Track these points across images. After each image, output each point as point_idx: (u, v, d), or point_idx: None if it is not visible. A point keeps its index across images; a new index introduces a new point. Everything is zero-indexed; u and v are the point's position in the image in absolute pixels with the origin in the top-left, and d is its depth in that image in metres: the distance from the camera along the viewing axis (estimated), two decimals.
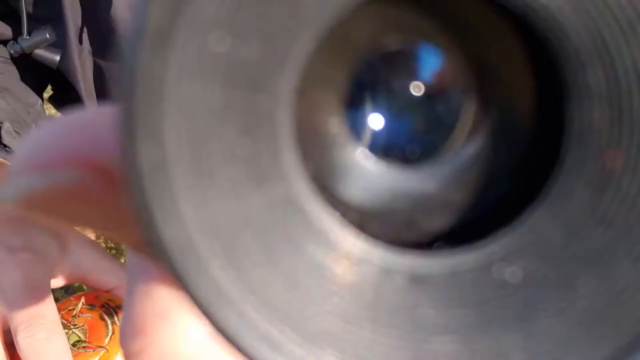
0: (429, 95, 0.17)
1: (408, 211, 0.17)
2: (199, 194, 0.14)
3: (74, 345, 0.63)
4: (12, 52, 0.75)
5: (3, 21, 0.79)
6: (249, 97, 0.14)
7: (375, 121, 0.17)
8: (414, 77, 0.17)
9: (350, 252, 0.16)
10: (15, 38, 0.78)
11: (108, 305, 0.66)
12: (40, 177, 0.16)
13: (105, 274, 0.66)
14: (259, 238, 0.15)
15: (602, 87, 0.15)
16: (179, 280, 0.15)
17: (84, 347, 0.64)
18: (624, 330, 0.15)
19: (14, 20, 0.78)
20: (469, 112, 0.17)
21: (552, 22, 0.14)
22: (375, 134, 0.17)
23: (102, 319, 0.65)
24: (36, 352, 0.57)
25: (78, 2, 0.74)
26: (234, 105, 0.14)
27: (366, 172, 0.17)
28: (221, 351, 0.18)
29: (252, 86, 0.14)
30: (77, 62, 0.77)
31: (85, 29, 0.76)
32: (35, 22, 0.75)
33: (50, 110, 0.93)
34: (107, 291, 0.67)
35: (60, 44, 0.76)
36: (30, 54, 0.76)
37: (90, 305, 0.66)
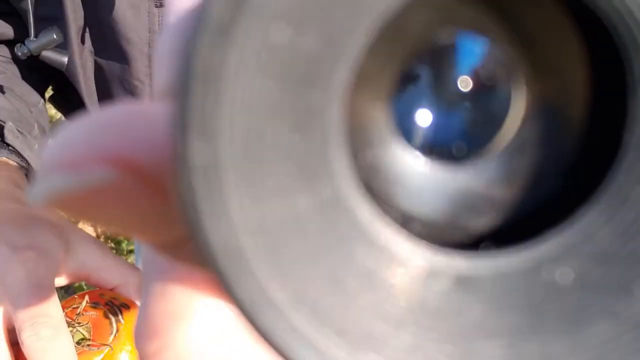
0: (477, 90, 0.17)
1: (454, 211, 0.17)
2: (249, 194, 0.14)
3: (78, 343, 0.63)
4: (19, 54, 0.74)
5: (4, 21, 0.79)
6: (303, 92, 0.14)
7: (423, 118, 0.17)
8: (463, 71, 0.16)
9: (396, 254, 0.15)
10: (18, 38, 0.78)
11: (112, 304, 0.66)
12: (70, 176, 0.16)
13: (109, 272, 0.66)
14: (306, 240, 0.15)
15: None
16: (222, 282, 0.14)
17: (88, 345, 0.64)
18: None
19: (15, 19, 0.78)
20: (519, 107, 0.16)
21: (621, 8, 0.14)
22: (422, 131, 0.17)
23: (106, 317, 0.65)
24: (41, 351, 0.57)
25: (80, 2, 0.74)
26: (287, 101, 0.14)
27: (412, 171, 0.17)
28: (238, 353, 0.17)
29: (307, 81, 0.14)
30: (78, 62, 0.77)
31: (87, 29, 0.75)
32: (37, 22, 0.75)
33: (51, 110, 0.93)
34: (111, 289, 0.67)
35: (61, 44, 0.75)
36: (37, 55, 0.75)
37: (94, 304, 0.66)
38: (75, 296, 0.67)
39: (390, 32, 0.15)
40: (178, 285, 0.17)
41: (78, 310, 0.65)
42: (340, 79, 0.14)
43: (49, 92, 0.89)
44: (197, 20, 0.13)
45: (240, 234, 0.14)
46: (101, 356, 0.63)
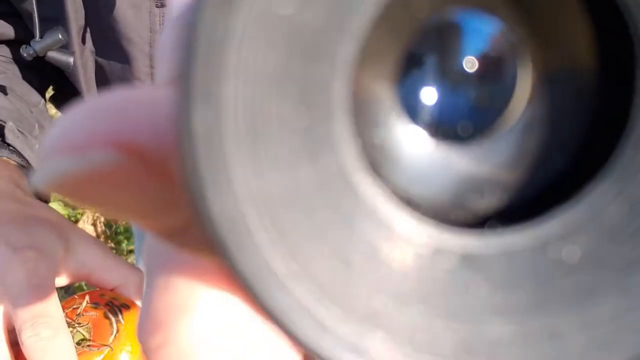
0: (483, 69, 0.16)
1: (459, 190, 0.17)
2: (252, 164, 0.14)
3: (78, 343, 0.63)
4: (25, 55, 0.73)
5: (5, 21, 0.79)
6: (307, 66, 0.14)
7: (428, 96, 0.17)
8: (469, 50, 0.16)
9: (401, 231, 0.15)
10: (18, 39, 0.78)
11: (112, 304, 0.66)
12: (72, 160, 0.16)
13: (110, 272, 0.66)
14: (310, 213, 0.14)
15: None
16: (224, 254, 0.14)
17: (88, 345, 0.63)
18: None
19: (16, 20, 0.78)
20: (525, 85, 0.16)
21: None
22: (427, 110, 0.17)
23: (107, 317, 0.65)
24: (41, 351, 0.57)
25: (80, 2, 0.74)
26: (292, 73, 0.14)
27: (417, 150, 0.17)
28: (243, 345, 0.17)
29: (311, 54, 0.14)
30: (79, 62, 0.77)
31: (87, 29, 0.75)
32: (39, 22, 0.75)
33: (51, 110, 0.93)
34: (112, 289, 0.67)
35: (65, 44, 0.75)
36: (43, 56, 0.74)
37: (95, 304, 0.65)
38: (76, 296, 0.67)
39: (395, 10, 0.15)
40: (181, 278, 0.17)
41: (78, 311, 0.65)
42: (345, 54, 0.14)
43: (49, 92, 0.89)
44: None
45: (242, 204, 0.14)
46: (101, 357, 0.63)
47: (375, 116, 0.16)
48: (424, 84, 0.17)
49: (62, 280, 0.65)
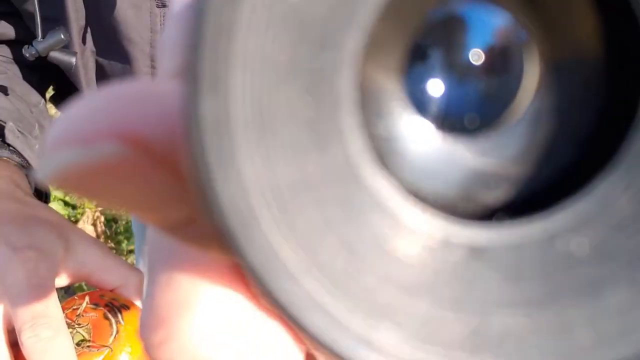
0: (490, 61, 0.16)
1: (467, 183, 0.17)
2: (261, 154, 0.14)
3: (78, 344, 0.63)
4: (27, 55, 0.73)
5: (5, 21, 0.79)
6: (314, 55, 0.14)
7: (435, 88, 0.17)
8: (476, 41, 0.16)
9: (409, 223, 0.15)
10: (19, 39, 0.78)
11: (112, 305, 0.66)
12: (77, 151, 0.16)
13: (110, 273, 0.66)
14: (318, 204, 0.14)
15: None
16: (233, 246, 0.14)
17: (88, 346, 0.63)
18: None
19: (16, 20, 0.78)
20: (532, 77, 0.16)
21: None
22: (434, 102, 0.17)
23: (106, 318, 0.65)
24: (40, 352, 0.57)
25: (81, 2, 0.74)
26: (300, 63, 0.14)
27: (424, 143, 0.17)
28: (245, 341, 0.17)
29: (319, 43, 0.14)
30: (80, 62, 0.77)
31: (88, 29, 0.76)
32: (40, 22, 0.75)
33: (52, 110, 0.93)
34: (112, 290, 0.67)
35: (66, 44, 0.76)
36: (46, 57, 0.74)
37: (95, 305, 0.65)
38: (76, 297, 0.67)
39: (402, 1, 0.15)
40: (184, 274, 0.17)
41: (78, 312, 0.65)
42: (352, 44, 0.14)
43: (49, 92, 0.89)
44: None
45: (251, 193, 0.14)
46: (101, 357, 0.63)
47: (382, 108, 0.16)
48: (430, 75, 0.17)
49: (62, 281, 0.64)
